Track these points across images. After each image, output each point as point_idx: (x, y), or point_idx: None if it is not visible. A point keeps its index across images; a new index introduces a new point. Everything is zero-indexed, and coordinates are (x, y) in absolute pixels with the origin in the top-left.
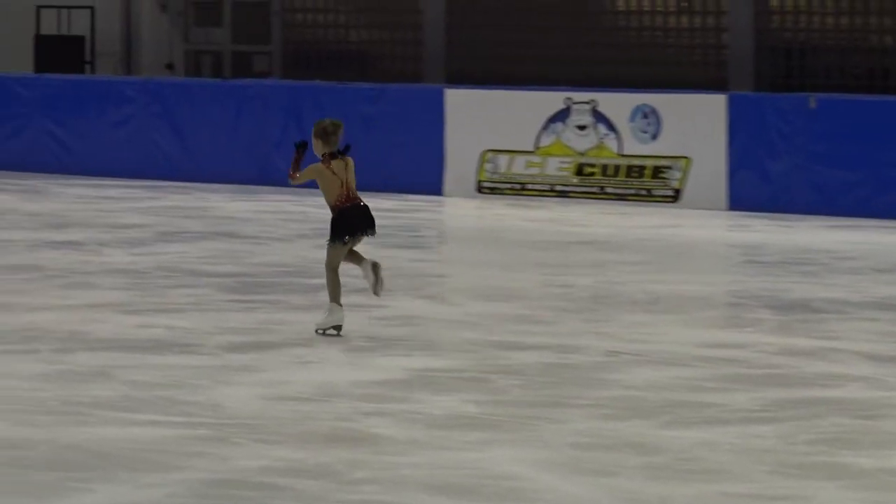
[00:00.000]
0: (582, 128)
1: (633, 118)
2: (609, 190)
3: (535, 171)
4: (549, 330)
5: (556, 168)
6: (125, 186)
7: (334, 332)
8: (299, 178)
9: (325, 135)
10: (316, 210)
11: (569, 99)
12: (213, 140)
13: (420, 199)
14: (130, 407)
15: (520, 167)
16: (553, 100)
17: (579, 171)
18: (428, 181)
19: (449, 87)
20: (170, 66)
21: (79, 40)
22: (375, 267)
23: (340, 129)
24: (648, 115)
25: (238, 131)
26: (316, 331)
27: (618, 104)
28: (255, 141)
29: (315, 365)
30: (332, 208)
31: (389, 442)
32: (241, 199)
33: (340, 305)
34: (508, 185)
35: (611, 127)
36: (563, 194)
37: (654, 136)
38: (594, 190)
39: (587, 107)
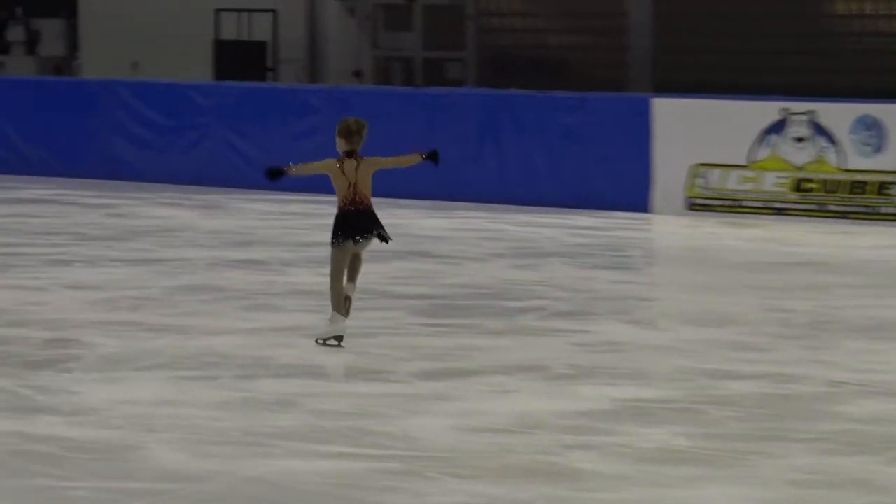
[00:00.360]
0: (800, 140)
1: (855, 130)
2: (830, 207)
3: (749, 186)
4: (766, 358)
5: (773, 183)
6: (311, 202)
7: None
8: (302, 168)
9: (348, 133)
10: (513, 227)
11: (785, 109)
12: (403, 152)
13: (625, 217)
14: (317, 438)
15: (733, 182)
16: (768, 110)
17: (797, 186)
18: (633, 197)
19: (656, 97)
20: (357, 74)
21: (260, 46)
22: (347, 299)
23: (365, 129)
24: (872, 127)
25: (430, 143)
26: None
27: (838, 115)
28: (448, 153)
29: (513, 394)
30: (338, 208)
31: (594, 477)
32: (434, 216)
33: (343, 315)
34: (720, 202)
35: (831, 139)
36: (779, 211)
37: (879, 150)
38: (813, 207)
39: (805, 118)
